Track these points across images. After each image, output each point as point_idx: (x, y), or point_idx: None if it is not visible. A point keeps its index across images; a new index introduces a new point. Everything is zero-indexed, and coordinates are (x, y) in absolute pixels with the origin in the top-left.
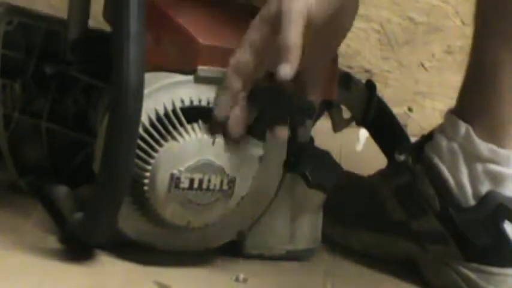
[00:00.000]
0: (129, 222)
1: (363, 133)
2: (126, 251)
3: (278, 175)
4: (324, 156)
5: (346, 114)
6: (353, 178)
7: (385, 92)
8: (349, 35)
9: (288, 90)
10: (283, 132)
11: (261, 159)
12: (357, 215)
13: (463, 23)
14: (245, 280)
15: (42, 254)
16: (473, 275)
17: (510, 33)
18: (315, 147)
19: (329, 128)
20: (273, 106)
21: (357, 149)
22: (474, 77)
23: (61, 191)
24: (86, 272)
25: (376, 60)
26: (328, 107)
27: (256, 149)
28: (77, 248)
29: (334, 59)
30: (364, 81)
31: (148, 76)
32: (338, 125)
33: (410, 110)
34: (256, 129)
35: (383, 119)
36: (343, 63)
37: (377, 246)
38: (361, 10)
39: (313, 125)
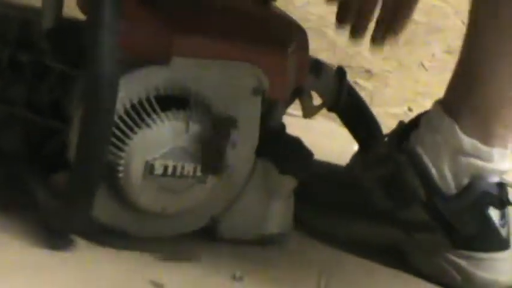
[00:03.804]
0: (104, 209)
1: None
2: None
3: (250, 161)
4: (296, 143)
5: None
6: (334, 168)
7: (385, 92)
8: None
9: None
10: None
11: (233, 145)
12: (341, 206)
13: (463, 23)
14: (241, 278)
15: (32, 252)
16: (462, 262)
17: (499, 34)
18: (287, 134)
19: (329, 128)
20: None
21: (355, 148)
22: (462, 74)
23: (36, 178)
24: (79, 270)
25: (376, 60)
26: (299, 93)
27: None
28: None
29: (305, 47)
30: (334, 68)
31: (123, 65)
32: (308, 111)
33: (410, 110)
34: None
35: (354, 106)
36: (343, 63)
37: (364, 235)
38: None
39: (284, 111)
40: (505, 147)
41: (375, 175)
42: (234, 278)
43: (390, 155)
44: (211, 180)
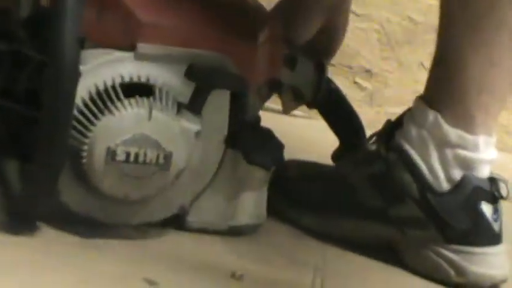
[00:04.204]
0: (71, 195)
1: None
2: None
3: (219, 151)
4: (267, 135)
5: None
6: (323, 168)
7: (385, 92)
8: (349, 35)
9: (224, 65)
10: None
11: (197, 134)
12: (330, 203)
13: None
14: (241, 277)
15: (28, 251)
16: (455, 257)
17: (472, 22)
18: (259, 125)
19: (325, 127)
20: (210, 81)
21: None
22: (440, 66)
23: (10, 165)
24: (74, 269)
25: (376, 60)
26: (277, 89)
27: (193, 125)
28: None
29: (278, 39)
30: (313, 62)
31: (89, 53)
32: (287, 107)
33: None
34: (193, 104)
35: (333, 100)
36: (343, 63)
37: (355, 232)
38: (361, 10)
39: (262, 105)
40: (489, 134)
41: (365, 174)
42: (233, 276)
43: (379, 153)
44: (174, 167)
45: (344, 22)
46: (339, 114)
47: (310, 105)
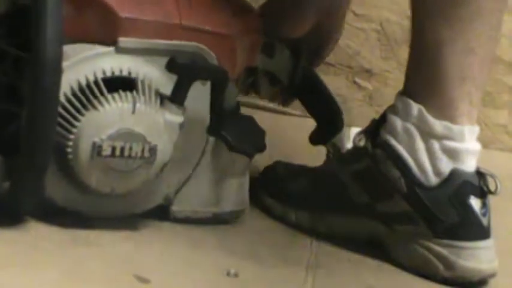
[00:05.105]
0: (56, 190)
1: (354, 131)
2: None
3: (202, 140)
4: (248, 122)
5: None
6: (309, 168)
7: (385, 92)
8: (349, 35)
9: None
10: None
11: (181, 126)
12: (319, 200)
13: None
14: (236, 274)
15: (18, 249)
16: (444, 251)
17: (449, 12)
18: (240, 113)
19: None
20: (191, 73)
21: (348, 146)
22: (418, 58)
23: None
24: (66, 266)
25: (376, 60)
26: (252, 75)
27: (176, 117)
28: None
29: (255, 28)
30: (290, 48)
31: (70, 48)
32: (265, 93)
33: None
34: (175, 96)
35: (311, 85)
36: (343, 63)
37: (343, 227)
38: (361, 10)
39: (238, 92)
40: (473, 124)
41: (353, 170)
42: (229, 274)
43: (366, 149)
44: (159, 160)
45: (338, 26)
46: (316, 97)
47: (287, 91)
